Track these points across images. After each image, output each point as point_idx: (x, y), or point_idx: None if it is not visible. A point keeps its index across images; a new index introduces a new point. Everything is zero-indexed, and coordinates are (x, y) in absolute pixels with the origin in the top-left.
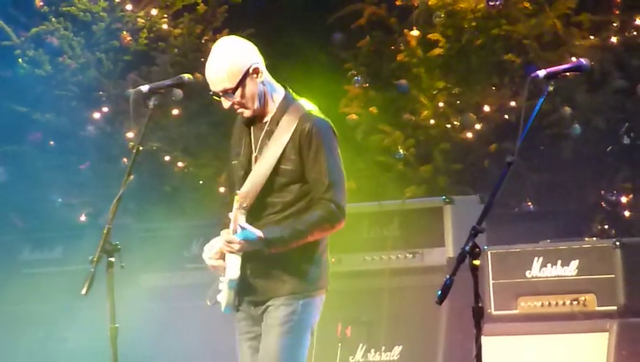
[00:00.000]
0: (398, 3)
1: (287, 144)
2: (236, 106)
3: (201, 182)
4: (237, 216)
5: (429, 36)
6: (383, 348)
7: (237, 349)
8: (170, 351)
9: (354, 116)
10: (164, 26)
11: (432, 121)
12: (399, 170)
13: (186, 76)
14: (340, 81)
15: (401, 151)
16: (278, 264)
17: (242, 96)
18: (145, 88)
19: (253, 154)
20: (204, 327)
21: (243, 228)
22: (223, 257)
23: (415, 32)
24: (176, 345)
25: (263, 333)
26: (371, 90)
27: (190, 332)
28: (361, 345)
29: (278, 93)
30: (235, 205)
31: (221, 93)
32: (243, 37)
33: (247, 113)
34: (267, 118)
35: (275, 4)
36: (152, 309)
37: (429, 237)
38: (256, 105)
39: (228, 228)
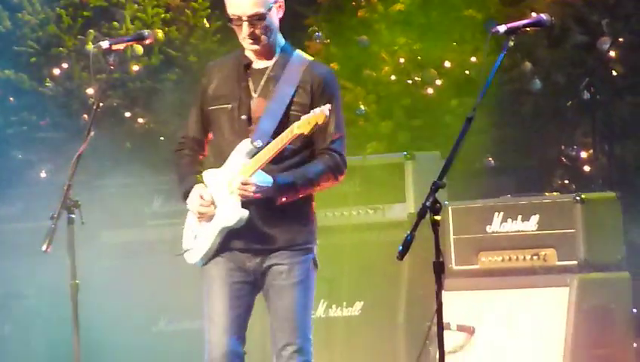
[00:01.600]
0: None
1: (296, 89)
2: (253, 34)
3: (162, 138)
4: (248, 168)
5: None
6: (345, 303)
7: (208, 291)
8: (132, 307)
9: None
10: None
11: (392, 77)
12: (360, 126)
13: (146, 32)
14: (300, 36)
15: (362, 107)
16: (283, 213)
17: (266, 26)
18: (105, 44)
19: (253, 98)
20: (165, 283)
21: (258, 173)
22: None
23: None
24: (137, 302)
25: (271, 290)
26: (332, 45)
27: (152, 288)
28: (322, 300)
29: (280, 38)
30: (243, 148)
31: (247, 18)
32: None
33: (256, 46)
34: (269, 63)
35: None
36: (114, 265)
37: (390, 193)
38: (271, 40)
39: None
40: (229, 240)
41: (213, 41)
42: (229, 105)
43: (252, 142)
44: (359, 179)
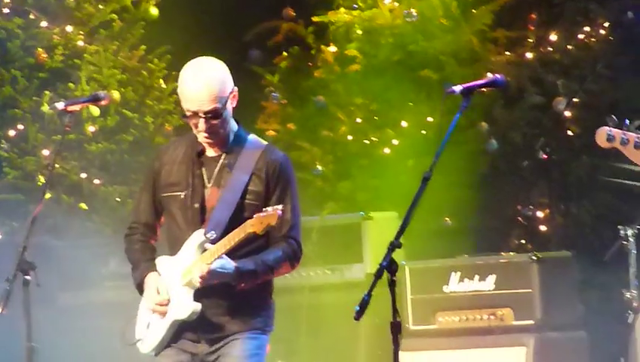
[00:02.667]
0: (314, 19)
1: (251, 177)
2: (211, 129)
3: (118, 199)
4: (208, 248)
5: (347, 52)
6: None
7: None
8: None
9: (272, 132)
10: (80, 43)
11: (350, 137)
12: (318, 186)
13: (102, 93)
14: (257, 97)
15: (319, 167)
16: (239, 301)
17: (223, 119)
18: (60, 105)
19: (207, 187)
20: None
21: (221, 258)
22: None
23: (332, 48)
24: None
25: None
26: (289, 106)
27: (108, 350)
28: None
29: (233, 124)
30: (197, 238)
31: (204, 115)
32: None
33: (212, 139)
34: (222, 150)
35: (191, 21)
36: (71, 328)
37: (348, 253)
38: (226, 131)
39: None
40: (181, 331)
41: (170, 102)
42: (182, 193)
43: (205, 234)
44: (317, 240)
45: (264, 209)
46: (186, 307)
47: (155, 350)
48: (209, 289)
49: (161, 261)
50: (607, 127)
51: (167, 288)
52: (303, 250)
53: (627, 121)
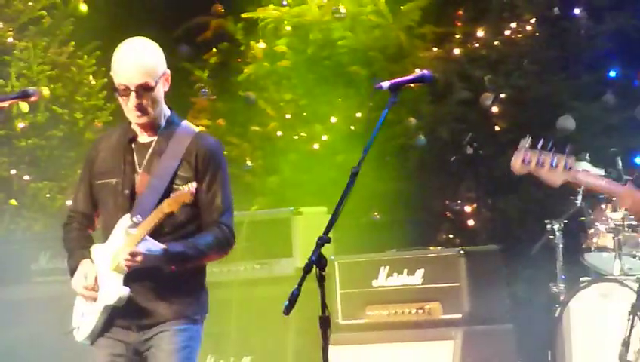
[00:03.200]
0: (244, 16)
1: (181, 163)
2: (140, 106)
3: (47, 195)
4: (132, 233)
5: (276, 48)
6: (232, 359)
7: None
8: None
9: (201, 128)
10: (9, 39)
11: (279, 133)
12: (247, 182)
13: (32, 89)
14: (187, 93)
15: (248, 162)
16: (170, 286)
17: (153, 97)
18: None
19: (137, 173)
20: (53, 341)
21: (146, 240)
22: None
23: (262, 44)
24: (26, 355)
25: (152, 358)
26: (219, 101)
27: (37, 345)
28: (209, 356)
29: (166, 109)
30: (124, 223)
31: (134, 88)
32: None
33: (143, 119)
34: (154, 136)
35: (121, 17)
36: (2, 322)
37: (277, 248)
38: (157, 112)
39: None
40: (112, 317)
41: (99, 98)
42: (114, 180)
43: (131, 218)
44: (246, 235)
45: (180, 187)
46: (114, 292)
47: (90, 338)
48: (138, 273)
49: (95, 249)
50: (521, 153)
51: (97, 274)
52: (235, 236)
53: (541, 141)
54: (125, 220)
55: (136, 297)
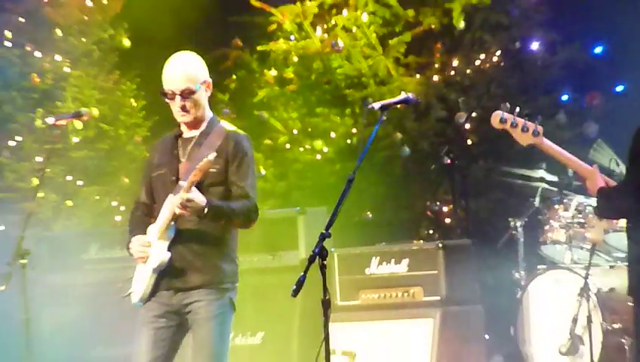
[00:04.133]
0: (258, 48)
1: (212, 158)
2: (184, 107)
3: (96, 197)
4: (184, 190)
5: (285, 75)
6: (249, 333)
7: (136, 334)
8: (74, 337)
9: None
10: (66, 69)
11: (287, 146)
12: (260, 186)
13: (83, 110)
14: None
15: (262, 170)
16: (206, 255)
17: (195, 100)
18: (50, 120)
19: (181, 162)
20: (101, 317)
21: (193, 191)
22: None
23: (273, 72)
24: (77, 332)
25: (194, 324)
26: (237, 119)
27: (90, 321)
28: (231, 332)
29: (208, 113)
30: (171, 200)
31: (179, 92)
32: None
33: (187, 117)
34: (196, 132)
35: (156, 50)
36: (57, 303)
37: (286, 242)
38: (199, 113)
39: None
40: (158, 282)
41: (139, 117)
42: (164, 170)
43: (173, 195)
44: (260, 230)
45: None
46: (158, 256)
47: (142, 300)
48: (178, 244)
49: (150, 228)
50: (500, 111)
51: (148, 242)
52: (258, 211)
53: (517, 109)
54: (169, 199)
55: (174, 263)
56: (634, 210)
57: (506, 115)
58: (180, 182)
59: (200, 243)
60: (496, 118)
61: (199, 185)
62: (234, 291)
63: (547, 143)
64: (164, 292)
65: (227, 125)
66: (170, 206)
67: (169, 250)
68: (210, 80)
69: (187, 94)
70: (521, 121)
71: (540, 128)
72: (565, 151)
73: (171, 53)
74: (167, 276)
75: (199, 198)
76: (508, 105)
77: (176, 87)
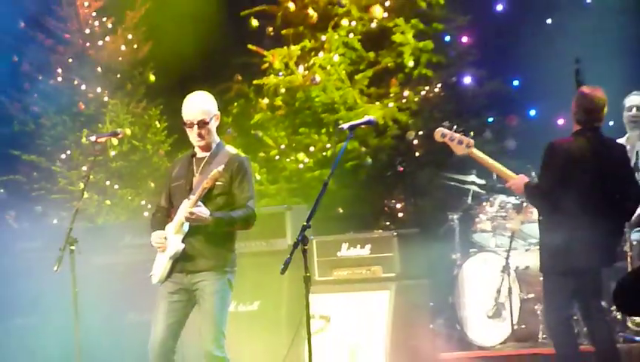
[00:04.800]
0: (254, 82)
1: (221, 170)
2: (200, 134)
3: (129, 197)
4: (191, 204)
5: (275, 103)
6: (248, 302)
7: (155, 305)
8: (112, 306)
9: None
10: (105, 98)
11: (277, 157)
12: (256, 189)
13: (119, 130)
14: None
15: (258, 176)
16: (212, 246)
17: (208, 129)
18: (93, 138)
19: (195, 176)
20: (133, 290)
21: (199, 205)
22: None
23: (266, 101)
24: (115, 302)
25: (200, 298)
26: (238, 138)
27: (124, 293)
28: (233, 302)
29: (216, 139)
30: (185, 204)
31: (196, 122)
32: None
33: (201, 142)
34: (207, 154)
35: (175, 84)
36: (101, 280)
37: (276, 232)
38: (210, 139)
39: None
40: (174, 266)
41: (162, 135)
42: (181, 182)
43: (188, 200)
44: (257, 222)
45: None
46: (175, 246)
47: (160, 280)
48: (189, 236)
49: (168, 225)
50: (442, 128)
51: (165, 235)
52: (255, 217)
53: (455, 127)
54: (184, 203)
55: (187, 251)
56: (543, 207)
57: (446, 131)
58: (190, 196)
59: (207, 236)
60: (438, 133)
61: (209, 194)
62: (232, 274)
63: (477, 153)
64: (177, 274)
65: (231, 149)
66: (183, 210)
67: (183, 241)
68: (218, 113)
69: (202, 124)
70: (457, 135)
71: (472, 141)
72: (491, 160)
73: (187, 86)
74: (180, 261)
75: (203, 212)
76: (448, 123)
77: (194, 119)
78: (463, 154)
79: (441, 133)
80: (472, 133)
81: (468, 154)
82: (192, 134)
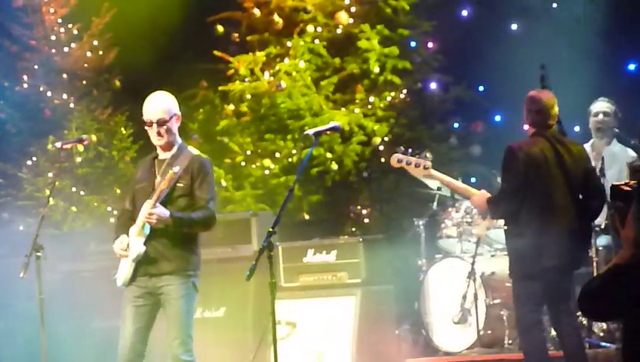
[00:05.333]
0: (220, 88)
1: (182, 171)
2: (159, 133)
3: (95, 204)
4: (150, 205)
5: (241, 109)
6: (214, 308)
7: (122, 310)
8: (78, 312)
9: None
10: (71, 105)
11: (243, 163)
12: (222, 195)
13: (85, 136)
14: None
15: (223, 182)
16: (175, 248)
17: (168, 128)
18: (58, 144)
19: (157, 179)
20: (99, 296)
21: (158, 206)
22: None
23: (232, 107)
24: (81, 308)
25: (166, 303)
26: (204, 144)
27: (90, 299)
28: (199, 307)
29: (178, 140)
30: (146, 206)
31: (155, 121)
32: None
33: (161, 141)
34: (168, 155)
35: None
36: (67, 286)
37: (242, 237)
38: (170, 139)
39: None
40: (137, 269)
41: (128, 142)
42: (143, 184)
43: (148, 201)
44: (222, 229)
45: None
46: (136, 250)
47: (124, 283)
48: (151, 239)
49: (131, 228)
50: (397, 154)
51: (127, 241)
52: (216, 218)
53: (410, 150)
54: (145, 206)
55: (149, 254)
56: (509, 211)
57: (402, 156)
58: (149, 201)
59: (170, 239)
60: (394, 159)
61: (170, 195)
62: (197, 277)
63: (436, 174)
64: (141, 278)
65: (193, 150)
66: (145, 211)
67: (145, 244)
68: (179, 113)
69: (161, 123)
70: (413, 159)
71: (429, 163)
72: (452, 179)
73: (152, 93)
74: (143, 264)
75: (163, 212)
76: (402, 148)
77: (153, 117)
78: (421, 176)
79: (397, 158)
80: (427, 155)
81: (427, 176)
82: (152, 133)
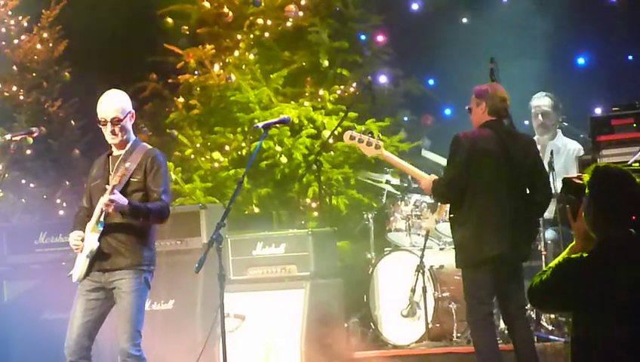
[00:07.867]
0: (169, 81)
1: (136, 166)
2: (113, 132)
3: (44, 196)
4: (105, 194)
5: (190, 102)
6: (162, 301)
7: (73, 304)
8: (27, 304)
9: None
10: (21, 97)
11: (192, 156)
12: (172, 188)
13: (34, 128)
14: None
15: (173, 175)
16: (128, 243)
17: (122, 126)
18: (7, 136)
19: (111, 175)
20: (48, 289)
21: (115, 193)
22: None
23: (181, 100)
24: (29, 300)
25: (117, 297)
26: (153, 137)
27: (39, 292)
28: (149, 300)
29: (132, 136)
30: (103, 199)
31: (109, 120)
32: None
33: (115, 140)
34: (122, 151)
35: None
36: (15, 278)
37: (191, 230)
38: (124, 137)
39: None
40: (92, 265)
41: (77, 135)
42: (98, 182)
43: (102, 199)
44: (171, 221)
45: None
46: (90, 245)
47: (79, 279)
48: (106, 235)
49: (87, 224)
50: (350, 131)
51: (82, 235)
52: (170, 210)
53: (363, 128)
54: (100, 200)
55: (103, 250)
56: (449, 197)
57: (354, 133)
58: (106, 186)
59: (124, 234)
60: (347, 135)
61: (125, 190)
62: (150, 273)
63: (387, 154)
64: (95, 273)
65: (146, 145)
66: (100, 205)
67: (99, 240)
68: (133, 111)
69: (116, 122)
70: (365, 137)
71: (380, 143)
72: (402, 161)
73: (103, 85)
74: (98, 260)
75: (121, 199)
76: (355, 126)
77: (106, 116)
78: (372, 155)
79: (350, 135)
80: (380, 136)
81: (378, 156)
82: (106, 132)
